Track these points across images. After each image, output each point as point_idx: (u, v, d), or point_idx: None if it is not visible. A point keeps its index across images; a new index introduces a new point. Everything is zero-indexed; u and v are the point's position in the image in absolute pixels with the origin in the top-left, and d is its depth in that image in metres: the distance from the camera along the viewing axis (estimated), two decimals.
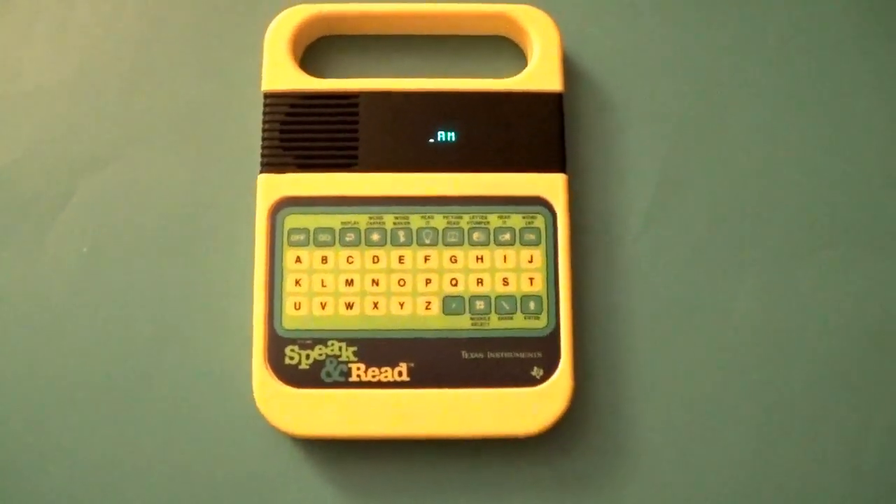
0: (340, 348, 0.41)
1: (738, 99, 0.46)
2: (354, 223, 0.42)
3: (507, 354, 0.41)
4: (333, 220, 0.42)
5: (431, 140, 0.43)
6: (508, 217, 0.43)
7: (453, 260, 0.42)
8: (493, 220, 0.43)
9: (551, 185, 0.43)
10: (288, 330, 0.42)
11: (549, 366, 0.41)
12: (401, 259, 0.42)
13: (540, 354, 0.41)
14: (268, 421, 0.41)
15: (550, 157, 0.43)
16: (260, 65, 0.44)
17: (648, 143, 0.45)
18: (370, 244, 0.42)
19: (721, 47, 0.47)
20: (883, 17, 0.46)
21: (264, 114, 0.44)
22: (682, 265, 0.44)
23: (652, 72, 0.46)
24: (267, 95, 0.44)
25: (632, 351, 0.43)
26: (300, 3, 0.45)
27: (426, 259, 0.42)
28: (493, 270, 0.42)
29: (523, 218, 0.43)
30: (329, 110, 0.44)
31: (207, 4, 0.47)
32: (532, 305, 0.42)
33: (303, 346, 0.41)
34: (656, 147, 0.45)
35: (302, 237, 0.42)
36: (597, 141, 0.46)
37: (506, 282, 0.42)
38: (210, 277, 0.44)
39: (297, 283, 0.42)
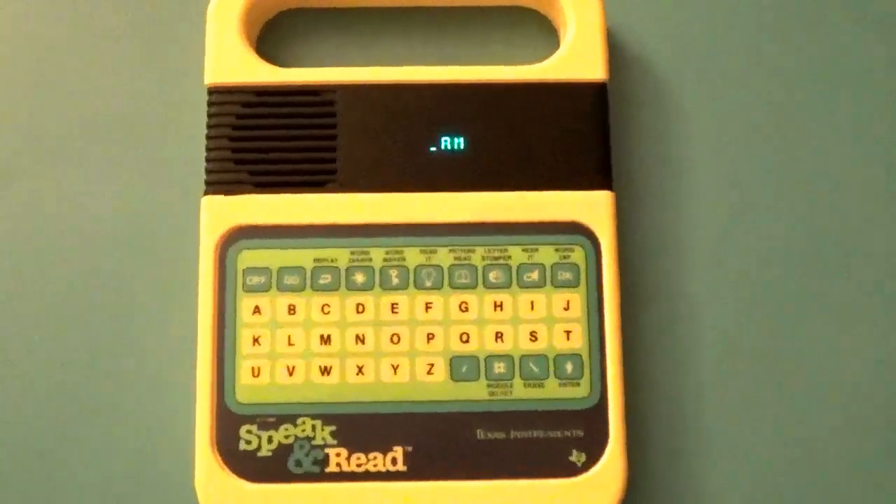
0: (314, 428, 0.40)
1: (832, 92, 0.46)
2: (332, 260, 0.41)
3: (538, 434, 0.40)
4: (303, 257, 0.42)
5: (433, 148, 0.42)
6: (536, 250, 0.42)
7: (464, 308, 0.41)
8: (516, 255, 0.42)
9: (593, 207, 0.42)
10: (243, 404, 0.41)
11: (594, 449, 0.40)
12: (394, 308, 0.41)
13: (581, 433, 0.40)
14: None
15: (591, 168, 0.42)
16: (203, 50, 0.44)
17: (718, 150, 0.45)
18: (353, 288, 0.41)
19: (806, 23, 0.46)
20: None
21: (209, 115, 0.43)
22: (766, 311, 0.44)
23: (721, 55, 0.46)
24: (212, 90, 0.43)
25: (701, 427, 0.43)
26: None
27: (427, 307, 0.41)
28: (516, 322, 0.41)
29: (556, 251, 0.42)
30: (296, 110, 0.43)
31: None
32: (569, 368, 0.41)
33: (263, 426, 0.40)
34: (728, 155, 0.45)
35: (261, 279, 0.41)
36: (652, 147, 0.45)
37: (534, 336, 0.41)
38: (140, 333, 0.43)
39: (255, 341, 0.41)
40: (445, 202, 0.42)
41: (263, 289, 0.41)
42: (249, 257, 0.41)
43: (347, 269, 0.41)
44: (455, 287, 0.41)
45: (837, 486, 0.42)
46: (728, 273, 0.44)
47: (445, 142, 0.42)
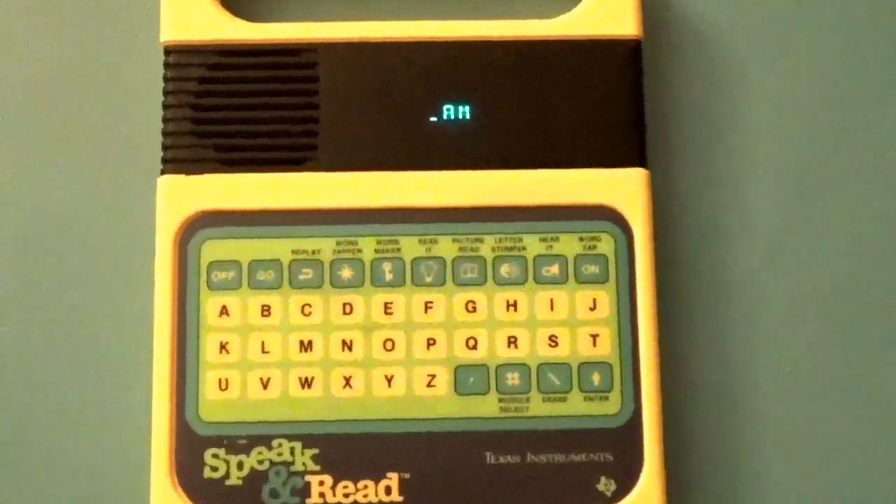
0: (293, 451, 0.39)
1: None
2: (313, 252, 0.40)
3: (559, 457, 0.39)
4: (280, 248, 0.40)
5: (433, 118, 0.41)
6: (556, 239, 0.40)
7: (470, 308, 0.40)
8: (533, 245, 0.40)
9: (624, 187, 0.41)
10: (208, 423, 0.39)
11: (626, 475, 0.39)
12: (387, 308, 0.40)
13: (610, 457, 0.39)
14: None
15: (622, 142, 0.41)
16: (157, 1, 0.43)
17: (774, 121, 0.44)
18: (339, 285, 0.40)
19: None
20: None
21: (166, 79, 0.41)
22: (831, 312, 0.42)
23: (777, 8, 0.44)
24: (170, 49, 0.41)
25: (753, 449, 0.41)
26: None
27: (427, 307, 0.40)
28: (533, 324, 0.40)
29: (580, 240, 0.40)
30: (270, 73, 0.41)
31: None
32: (596, 379, 0.39)
33: (232, 450, 0.39)
34: (786, 126, 0.44)
35: (230, 275, 0.40)
36: (694, 117, 0.44)
37: (554, 342, 0.40)
38: (85, 340, 0.42)
39: (222, 348, 0.40)
40: (448, 183, 0.41)
41: (232, 286, 0.40)
42: (215, 249, 0.40)
43: (332, 263, 0.40)
44: (460, 283, 0.40)
45: None
46: (785, 267, 0.43)
47: (448, 110, 0.41)
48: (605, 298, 0.40)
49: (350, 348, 0.40)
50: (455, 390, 0.39)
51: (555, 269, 0.40)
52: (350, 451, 0.39)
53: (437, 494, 0.39)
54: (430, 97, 0.41)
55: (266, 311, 0.40)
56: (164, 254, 0.40)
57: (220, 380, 0.39)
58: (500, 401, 0.39)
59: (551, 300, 0.40)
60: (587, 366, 0.40)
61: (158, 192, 0.40)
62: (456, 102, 0.41)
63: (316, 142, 0.41)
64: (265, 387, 0.39)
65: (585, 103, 0.41)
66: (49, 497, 0.41)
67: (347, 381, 0.39)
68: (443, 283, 0.40)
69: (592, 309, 0.40)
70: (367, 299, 0.40)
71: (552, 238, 0.40)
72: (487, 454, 0.39)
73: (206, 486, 0.38)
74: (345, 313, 0.40)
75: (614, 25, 0.42)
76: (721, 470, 0.41)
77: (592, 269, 0.40)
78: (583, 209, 0.41)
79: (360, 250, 0.40)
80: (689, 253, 0.43)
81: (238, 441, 0.39)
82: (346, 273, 0.40)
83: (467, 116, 0.41)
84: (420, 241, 0.40)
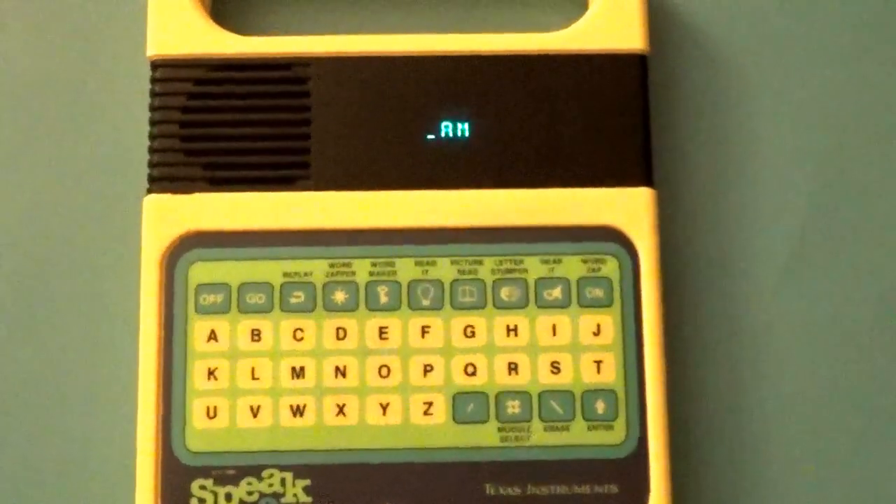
0: (284, 482, 0.39)
1: None
2: (305, 274, 0.40)
3: (561, 489, 0.39)
4: (270, 270, 0.40)
5: (430, 136, 0.41)
6: (559, 261, 0.40)
7: (469, 333, 0.40)
8: (534, 267, 0.40)
9: (629, 208, 0.41)
10: (195, 453, 0.39)
11: None
12: (382, 332, 0.40)
13: (615, 489, 0.39)
14: None
15: (627, 160, 0.41)
16: (144, 14, 0.42)
17: (786, 140, 0.44)
18: (331, 309, 0.40)
19: None
20: None
21: (153, 95, 0.41)
22: (846, 338, 0.42)
23: (788, 23, 0.45)
24: (157, 64, 0.41)
25: (764, 480, 0.41)
26: None
27: (424, 332, 0.40)
28: (534, 350, 0.40)
29: (584, 262, 0.40)
30: (261, 88, 0.41)
31: None
32: (600, 407, 0.39)
33: (221, 481, 0.39)
34: (799, 145, 0.44)
35: (219, 298, 0.40)
36: (702, 135, 0.44)
37: (556, 368, 0.39)
38: (67, 366, 0.41)
39: (210, 374, 0.39)
40: (446, 202, 0.40)
41: (221, 310, 0.40)
42: (204, 271, 0.40)
43: (325, 286, 0.40)
44: (458, 307, 0.40)
45: None
46: (798, 291, 0.43)
47: (446, 128, 0.41)
48: (609, 323, 0.40)
49: (343, 375, 0.39)
50: (453, 418, 0.39)
51: (557, 293, 0.40)
52: (343, 481, 0.38)
53: None
54: (427, 113, 0.41)
55: (256, 335, 0.40)
56: (150, 276, 0.40)
57: (207, 408, 0.39)
58: (500, 429, 0.39)
59: (553, 325, 0.40)
60: (591, 393, 0.39)
61: (144, 212, 0.40)
62: (454, 119, 0.41)
63: (308, 160, 0.41)
64: (255, 415, 0.39)
65: (589, 120, 0.41)
66: None
67: (341, 409, 0.39)
68: (440, 307, 0.40)
69: (596, 334, 0.40)
70: (361, 324, 0.40)
71: (554, 260, 0.40)
72: (487, 485, 0.38)
73: None
74: (338, 338, 0.40)
75: (619, 39, 0.42)
76: (730, 502, 0.41)
77: (596, 292, 0.40)
78: (586, 230, 0.40)
79: (353, 273, 0.40)
80: (697, 276, 0.43)
81: (227, 472, 0.38)
82: (340, 296, 0.40)
83: (466, 133, 0.41)
84: (416, 262, 0.40)
